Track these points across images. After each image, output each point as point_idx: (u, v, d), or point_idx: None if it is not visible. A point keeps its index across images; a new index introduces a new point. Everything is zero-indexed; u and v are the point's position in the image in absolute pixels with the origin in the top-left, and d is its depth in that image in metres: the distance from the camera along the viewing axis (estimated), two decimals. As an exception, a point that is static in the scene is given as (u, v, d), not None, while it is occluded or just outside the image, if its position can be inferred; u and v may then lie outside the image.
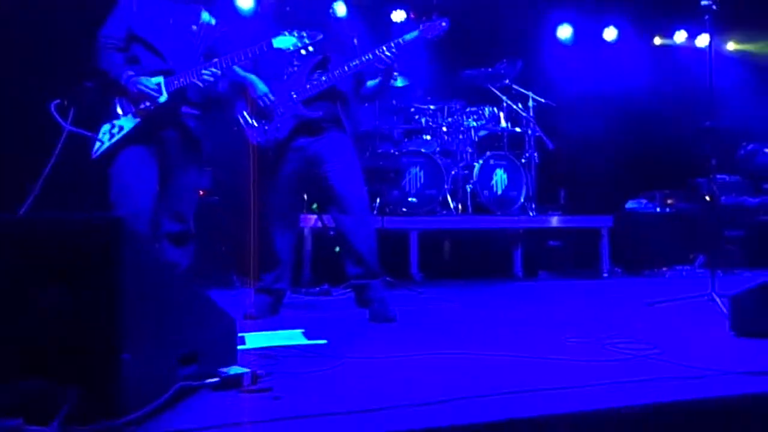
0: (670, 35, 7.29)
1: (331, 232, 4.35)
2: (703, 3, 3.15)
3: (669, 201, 5.78)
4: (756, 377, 1.78)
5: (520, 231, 5.37)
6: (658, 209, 5.81)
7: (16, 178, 2.71)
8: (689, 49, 7.18)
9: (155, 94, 2.72)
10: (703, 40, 7.11)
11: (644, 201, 5.94)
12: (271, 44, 2.78)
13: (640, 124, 6.87)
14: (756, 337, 2.31)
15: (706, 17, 3.15)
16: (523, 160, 5.42)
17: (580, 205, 5.78)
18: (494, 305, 3.65)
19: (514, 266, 5.37)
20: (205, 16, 2.93)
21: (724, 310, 2.62)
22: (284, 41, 2.78)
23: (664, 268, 5.40)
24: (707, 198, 4.17)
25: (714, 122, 3.14)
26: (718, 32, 6.84)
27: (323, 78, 3.03)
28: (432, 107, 5.46)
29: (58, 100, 2.51)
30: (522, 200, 5.32)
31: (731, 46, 7.63)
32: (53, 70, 4.10)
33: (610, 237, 5.34)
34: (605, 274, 5.27)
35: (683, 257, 5.50)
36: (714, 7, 3.14)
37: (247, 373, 1.71)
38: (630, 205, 5.98)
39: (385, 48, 2.95)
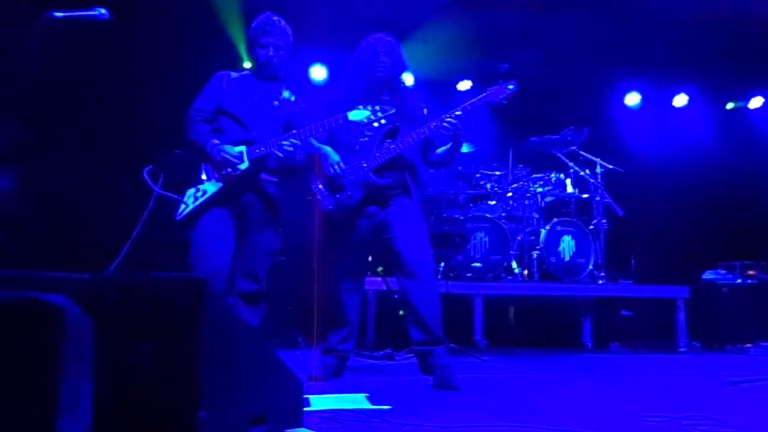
0: (745, 100, 7.11)
1: (395, 296, 4.38)
2: None
3: (750, 272, 5.48)
4: None
5: (590, 300, 5.20)
6: (739, 280, 5.51)
7: (109, 237, 2.93)
8: (765, 114, 6.96)
9: (237, 161, 2.94)
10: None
11: (723, 272, 5.65)
12: (346, 117, 2.95)
13: (715, 192, 6.63)
14: None
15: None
16: (591, 227, 5.32)
17: (653, 275, 5.57)
18: (563, 376, 3.52)
19: (583, 336, 5.18)
20: (286, 93, 3.18)
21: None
22: (358, 114, 2.94)
23: (748, 345, 5.05)
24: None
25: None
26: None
27: (392, 146, 3.15)
28: (498, 173, 5.50)
29: (151, 167, 2.75)
30: (590, 268, 5.18)
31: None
32: (148, 140, 4.55)
33: (687, 309, 5.09)
34: (682, 349, 4.99)
35: (768, 333, 5.15)
36: None
37: (314, 436, 1.73)
38: (708, 275, 5.69)
39: (449, 115, 3.05)
